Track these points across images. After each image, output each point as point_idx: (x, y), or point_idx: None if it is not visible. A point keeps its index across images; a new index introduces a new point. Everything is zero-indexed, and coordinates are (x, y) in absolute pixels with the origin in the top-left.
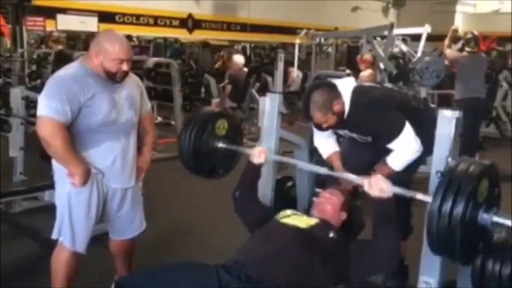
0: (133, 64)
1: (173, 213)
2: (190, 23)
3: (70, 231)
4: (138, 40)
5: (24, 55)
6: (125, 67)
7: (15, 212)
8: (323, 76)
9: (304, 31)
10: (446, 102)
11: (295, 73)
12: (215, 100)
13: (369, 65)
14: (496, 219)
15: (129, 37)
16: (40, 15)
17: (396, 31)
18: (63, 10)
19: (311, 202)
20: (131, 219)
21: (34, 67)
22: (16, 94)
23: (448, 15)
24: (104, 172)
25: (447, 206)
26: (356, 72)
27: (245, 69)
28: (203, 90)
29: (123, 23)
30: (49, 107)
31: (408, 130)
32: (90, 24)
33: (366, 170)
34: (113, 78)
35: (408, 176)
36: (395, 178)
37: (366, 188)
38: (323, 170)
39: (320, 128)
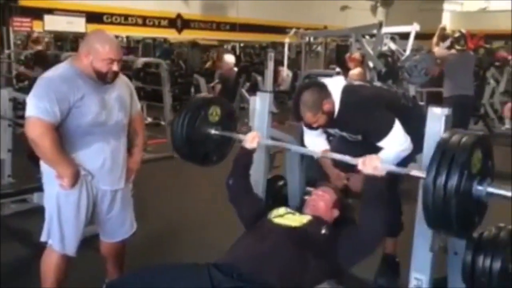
0: (122, 64)
1: (164, 214)
2: (179, 23)
3: (59, 234)
4: (127, 41)
5: (11, 56)
6: (115, 67)
7: (4, 214)
8: (313, 75)
9: (293, 30)
10: (435, 100)
11: (285, 72)
12: None
13: (358, 63)
14: (490, 190)
15: (117, 38)
16: (27, 15)
17: (385, 29)
18: (50, 11)
19: (302, 200)
20: (122, 221)
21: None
22: (4, 96)
23: (435, 13)
24: (93, 174)
25: (441, 179)
26: (345, 71)
27: (235, 69)
28: (193, 90)
29: (111, 23)
30: (37, 108)
31: (397, 128)
32: (77, 24)
33: (356, 168)
34: (104, 79)
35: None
36: (386, 175)
37: (360, 166)
38: (316, 154)
39: (310, 127)
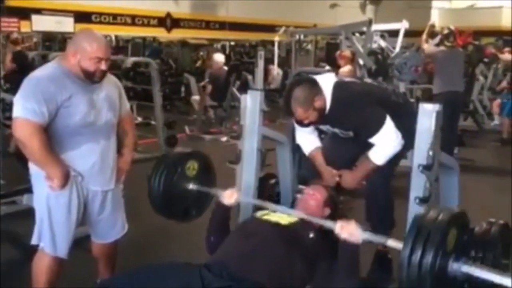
0: (110, 64)
1: (155, 214)
2: (168, 22)
3: (50, 236)
4: (116, 40)
5: None
6: (103, 66)
7: None
8: (304, 73)
9: (283, 29)
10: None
11: (275, 70)
12: (195, 97)
13: (349, 61)
14: (465, 269)
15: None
16: (14, 16)
17: (375, 27)
18: (38, 11)
19: (294, 199)
20: (113, 222)
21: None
22: None
23: (424, 10)
24: (83, 175)
25: (416, 256)
26: (335, 68)
27: (226, 68)
28: (183, 89)
29: (100, 22)
30: (25, 108)
31: (388, 125)
32: (66, 24)
33: (348, 165)
34: (91, 78)
35: (390, 170)
36: (378, 172)
37: (337, 230)
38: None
39: (302, 124)
